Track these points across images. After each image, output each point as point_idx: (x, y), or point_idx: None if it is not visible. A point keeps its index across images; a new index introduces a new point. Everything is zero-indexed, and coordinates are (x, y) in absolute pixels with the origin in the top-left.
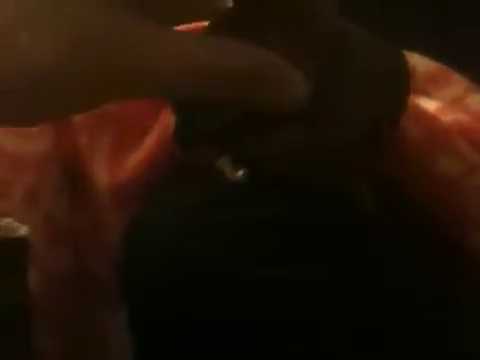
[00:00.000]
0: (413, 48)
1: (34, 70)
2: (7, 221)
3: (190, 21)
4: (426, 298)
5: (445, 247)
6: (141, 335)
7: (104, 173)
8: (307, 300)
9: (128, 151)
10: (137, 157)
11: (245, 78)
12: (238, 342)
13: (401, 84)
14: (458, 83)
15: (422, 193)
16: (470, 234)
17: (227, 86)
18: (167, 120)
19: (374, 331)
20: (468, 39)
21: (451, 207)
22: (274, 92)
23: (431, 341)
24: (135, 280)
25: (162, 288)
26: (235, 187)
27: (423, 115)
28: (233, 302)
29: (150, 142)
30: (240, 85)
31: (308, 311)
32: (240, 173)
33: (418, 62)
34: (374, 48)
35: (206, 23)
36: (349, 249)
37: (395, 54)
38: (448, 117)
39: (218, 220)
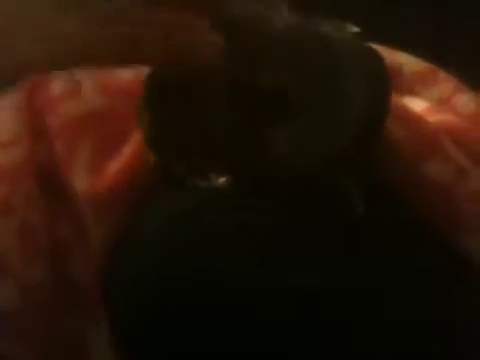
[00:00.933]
0: (412, 45)
1: None
2: None
3: None
4: (422, 302)
5: (439, 251)
6: (126, 346)
7: (83, 182)
8: (302, 305)
9: (108, 158)
10: (117, 164)
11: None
12: (231, 347)
13: (383, 87)
14: (446, 82)
15: (413, 197)
16: (463, 238)
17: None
18: None
19: (371, 334)
20: (466, 36)
21: (443, 211)
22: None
23: (427, 344)
24: (122, 290)
25: (150, 298)
26: (223, 193)
27: (409, 116)
28: (224, 308)
29: (131, 148)
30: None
31: (303, 316)
32: (222, 180)
33: (406, 61)
34: (356, 52)
35: None
36: (339, 255)
37: (375, 57)
38: (436, 118)
39: (207, 226)
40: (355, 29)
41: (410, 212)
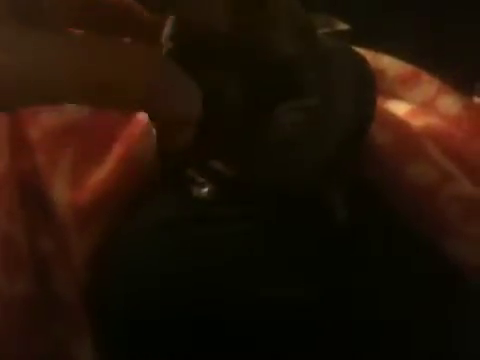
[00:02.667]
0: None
1: None
2: None
3: None
4: (408, 305)
5: (424, 254)
6: (112, 356)
7: (65, 194)
8: (288, 314)
9: (90, 169)
10: (99, 176)
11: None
12: (217, 355)
13: (369, 94)
14: (430, 84)
15: (397, 200)
16: (449, 241)
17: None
18: (131, 135)
19: (359, 342)
20: (460, 37)
21: (427, 214)
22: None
23: (418, 349)
24: (108, 301)
25: (137, 308)
26: (207, 202)
27: (392, 121)
28: (208, 318)
29: (112, 159)
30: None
31: (289, 324)
32: (205, 190)
33: (389, 64)
34: (343, 57)
35: None
36: (323, 262)
37: (361, 62)
38: (419, 121)
39: (192, 236)
40: (345, 26)
41: (394, 216)
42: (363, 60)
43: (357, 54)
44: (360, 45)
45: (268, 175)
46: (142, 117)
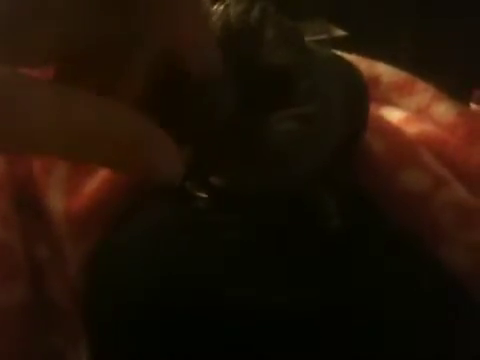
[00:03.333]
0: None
1: None
2: None
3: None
4: (402, 311)
5: (418, 260)
6: None
7: (60, 202)
8: (283, 321)
9: (85, 178)
10: (93, 184)
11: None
12: None
13: (361, 101)
14: (424, 91)
15: (391, 207)
16: (443, 247)
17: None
18: None
19: (356, 349)
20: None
21: (421, 221)
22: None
23: (413, 354)
24: (101, 309)
25: (129, 315)
26: (200, 210)
27: (387, 128)
28: (201, 325)
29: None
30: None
31: (280, 333)
32: (200, 199)
33: (383, 72)
34: (336, 66)
35: None
36: (318, 269)
37: (353, 71)
38: (414, 128)
39: (186, 244)
40: (341, 32)
41: (389, 223)
42: (354, 68)
43: (348, 62)
44: (357, 51)
45: (263, 184)
46: None
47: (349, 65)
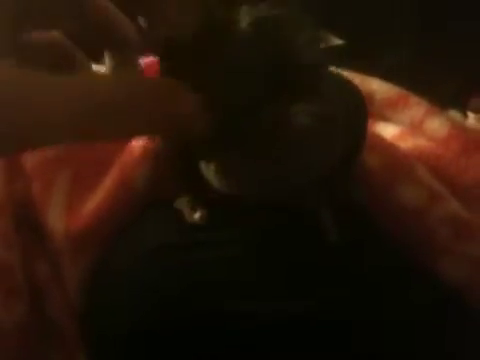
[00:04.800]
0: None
1: None
2: None
3: None
4: (399, 325)
5: (414, 275)
6: None
7: (59, 221)
8: (278, 335)
9: (84, 196)
10: (93, 202)
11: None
12: None
13: (361, 120)
14: (417, 106)
15: (387, 222)
16: (440, 261)
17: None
18: (124, 163)
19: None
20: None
21: (417, 235)
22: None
23: None
24: (99, 326)
25: (127, 333)
26: (197, 227)
27: (382, 143)
28: (201, 343)
29: (106, 186)
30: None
31: (280, 345)
32: (197, 215)
33: (378, 87)
34: (336, 83)
35: None
36: (316, 283)
37: (353, 88)
38: (408, 143)
39: (184, 261)
40: (339, 41)
41: (385, 238)
42: (353, 84)
43: (347, 78)
44: (356, 60)
45: (264, 190)
46: (135, 144)
47: (348, 81)
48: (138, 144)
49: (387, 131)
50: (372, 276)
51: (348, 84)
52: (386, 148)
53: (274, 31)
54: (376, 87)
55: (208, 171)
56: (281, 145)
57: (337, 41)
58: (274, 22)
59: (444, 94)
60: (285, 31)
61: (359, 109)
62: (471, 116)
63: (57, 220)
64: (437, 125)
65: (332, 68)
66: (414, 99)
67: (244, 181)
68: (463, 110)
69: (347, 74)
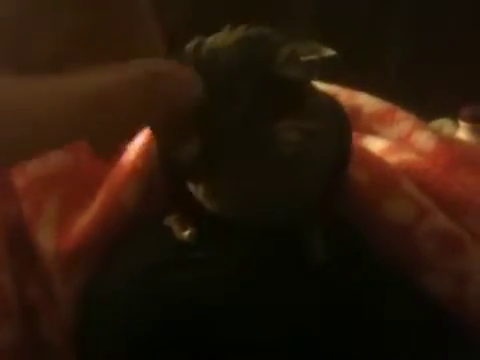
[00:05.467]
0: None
1: None
2: None
3: None
4: (386, 340)
5: (401, 289)
6: None
7: (50, 241)
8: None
9: (74, 216)
10: (83, 222)
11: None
12: None
13: (346, 136)
14: (405, 120)
15: (374, 237)
16: (427, 275)
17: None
18: (114, 183)
19: None
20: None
21: (403, 250)
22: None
23: None
24: (93, 345)
25: (121, 352)
26: (188, 246)
27: (369, 159)
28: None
29: (96, 206)
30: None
31: None
32: (187, 233)
33: (365, 102)
34: (321, 103)
35: None
36: (303, 306)
37: (337, 106)
38: (396, 157)
39: (174, 281)
40: (331, 52)
41: (372, 252)
42: (337, 102)
43: (331, 96)
44: (347, 70)
45: (251, 211)
46: (125, 164)
47: (331, 98)
48: (127, 163)
49: (375, 145)
50: (358, 294)
51: (331, 101)
52: (374, 163)
53: (256, 49)
54: (363, 101)
55: (197, 191)
56: (266, 163)
57: (329, 52)
58: (256, 40)
59: (437, 103)
60: (267, 48)
61: (343, 125)
62: (462, 125)
63: (48, 240)
64: (424, 139)
65: (315, 85)
66: (401, 113)
67: (231, 201)
68: (455, 119)
69: (335, 88)
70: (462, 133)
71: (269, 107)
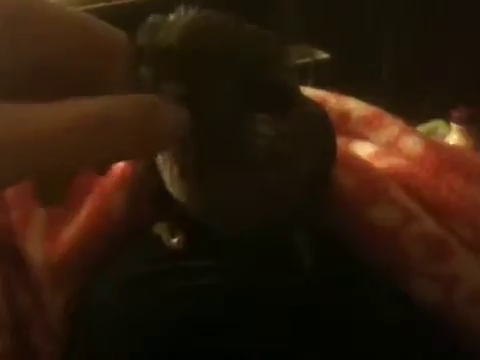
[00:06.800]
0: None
1: None
2: None
3: None
4: (375, 349)
5: (389, 296)
6: None
7: (39, 250)
8: None
9: (63, 225)
10: (71, 231)
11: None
12: None
13: (329, 142)
14: (393, 125)
15: (361, 243)
16: (413, 281)
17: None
18: (102, 191)
19: None
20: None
21: (392, 255)
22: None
23: None
24: (83, 355)
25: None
26: (177, 255)
27: (355, 164)
28: None
29: (85, 215)
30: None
31: None
32: (175, 240)
33: (354, 107)
34: (304, 107)
35: None
36: (290, 314)
37: (321, 113)
38: (384, 161)
39: (163, 290)
40: (323, 55)
41: (359, 259)
42: (320, 107)
43: (314, 102)
44: (340, 73)
45: (233, 218)
46: (114, 173)
47: (316, 105)
48: (115, 171)
49: (364, 150)
50: (344, 301)
51: (315, 107)
52: (362, 168)
53: (240, 49)
54: (352, 106)
55: (182, 198)
56: (238, 166)
57: (322, 55)
58: (241, 40)
59: (431, 105)
60: (252, 48)
61: (327, 131)
62: (454, 127)
63: (37, 250)
64: (412, 143)
65: (301, 90)
66: (389, 118)
67: (213, 208)
68: (448, 121)
69: (322, 94)
70: (454, 135)
71: (250, 109)
